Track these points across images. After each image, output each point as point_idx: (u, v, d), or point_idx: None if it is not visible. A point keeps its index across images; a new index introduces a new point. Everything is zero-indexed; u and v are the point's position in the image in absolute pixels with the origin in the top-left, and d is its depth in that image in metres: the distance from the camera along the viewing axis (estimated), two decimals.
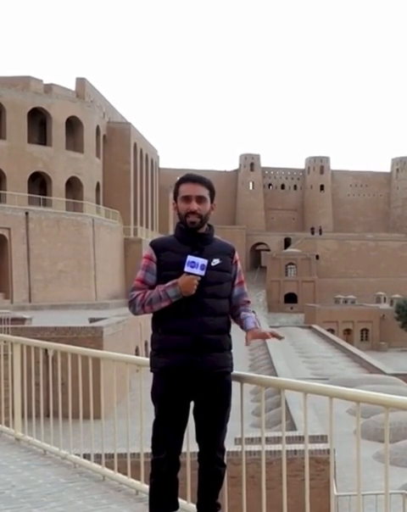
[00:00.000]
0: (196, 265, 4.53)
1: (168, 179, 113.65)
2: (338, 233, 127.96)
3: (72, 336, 26.20)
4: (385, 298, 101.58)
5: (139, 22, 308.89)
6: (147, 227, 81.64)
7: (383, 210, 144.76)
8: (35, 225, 55.03)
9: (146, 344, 42.20)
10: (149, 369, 4.84)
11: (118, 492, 6.03)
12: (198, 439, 4.83)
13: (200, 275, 4.54)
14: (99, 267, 60.25)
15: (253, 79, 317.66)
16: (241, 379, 5.04)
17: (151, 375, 4.82)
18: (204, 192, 4.77)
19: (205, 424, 4.78)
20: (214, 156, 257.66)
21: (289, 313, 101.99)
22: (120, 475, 6.22)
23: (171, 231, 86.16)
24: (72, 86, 73.20)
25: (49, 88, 67.54)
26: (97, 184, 70.39)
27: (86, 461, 6.71)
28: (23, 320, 28.51)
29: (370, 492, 15.77)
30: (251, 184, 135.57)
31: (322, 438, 18.71)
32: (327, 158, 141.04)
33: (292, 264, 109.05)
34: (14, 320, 27.37)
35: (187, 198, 4.72)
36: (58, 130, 64.15)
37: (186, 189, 4.75)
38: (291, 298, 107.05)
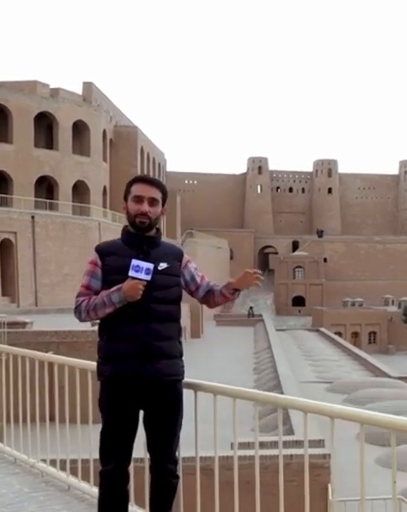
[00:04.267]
0: (140, 269, 4.37)
1: (175, 183, 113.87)
2: (346, 236, 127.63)
3: (72, 340, 26.02)
4: (393, 301, 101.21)
5: (146, 26, 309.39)
6: None
7: (391, 213, 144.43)
8: (41, 228, 54.99)
9: None
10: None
11: (81, 502, 5.89)
12: (150, 450, 4.68)
13: (145, 280, 4.37)
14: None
15: (261, 82, 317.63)
16: (194, 387, 4.86)
17: None
18: (157, 195, 4.62)
19: (156, 434, 4.62)
20: (222, 159, 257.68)
21: (297, 316, 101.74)
22: (84, 485, 6.07)
23: (179, 235, 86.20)
24: (79, 91, 73.21)
25: (56, 92, 67.49)
26: (104, 188, 70.34)
27: (52, 470, 6.56)
28: (24, 324, 28.35)
29: (369, 497, 15.56)
30: (259, 187, 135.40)
31: (319, 443, 18.50)
32: (335, 161, 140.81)
33: (299, 266, 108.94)
34: (14, 324, 27.24)
35: (139, 199, 4.57)
36: (64, 135, 64.10)
37: (138, 189, 4.59)
38: (299, 301, 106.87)
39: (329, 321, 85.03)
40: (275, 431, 22.87)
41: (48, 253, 54.94)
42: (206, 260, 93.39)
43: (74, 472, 6.27)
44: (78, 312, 4.56)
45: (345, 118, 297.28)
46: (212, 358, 44.44)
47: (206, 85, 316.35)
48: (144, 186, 4.60)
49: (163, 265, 4.54)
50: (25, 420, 7.33)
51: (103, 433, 4.58)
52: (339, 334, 79.36)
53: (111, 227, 63.69)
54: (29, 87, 64.96)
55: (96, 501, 5.73)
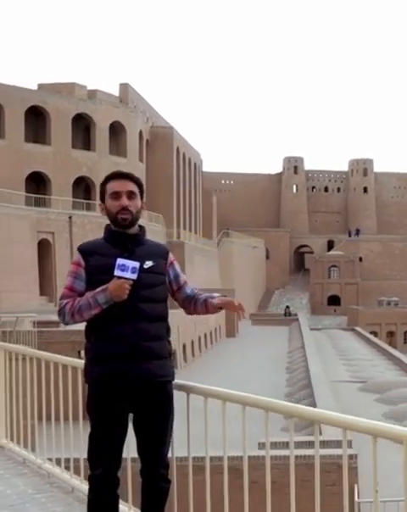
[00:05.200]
0: (126, 268, 4.21)
1: (211, 182, 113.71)
2: (382, 235, 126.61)
3: None
4: None
5: (182, 27, 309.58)
6: (190, 230, 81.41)
7: None
8: (78, 228, 55.13)
9: (184, 347, 42.00)
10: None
11: (82, 504, 5.76)
12: (140, 454, 4.52)
13: (132, 279, 4.22)
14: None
15: (298, 81, 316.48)
16: (186, 389, 4.71)
17: None
18: (134, 188, 4.50)
19: (146, 438, 4.47)
20: (258, 159, 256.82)
21: (332, 315, 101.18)
22: (87, 487, 5.95)
23: (215, 235, 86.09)
24: (116, 92, 73.32)
25: (93, 94, 67.66)
26: None
27: (57, 471, 6.47)
28: (57, 324, 28.39)
29: (391, 498, 15.33)
30: (295, 187, 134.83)
31: (347, 443, 18.25)
32: (371, 161, 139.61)
33: (335, 266, 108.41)
34: (47, 323, 27.31)
35: (117, 195, 4.43)
36: (101, 136, 64.30)
37: (114, 186, 4.46)
38: (334, 301, 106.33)
39: (364, 321, 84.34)
40: (303, 430, 22.70)
41: None
42: (242, 260, 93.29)
43: (80, 473, 6.17)
44: (62, 315, 4.40)
45: (380, 117, 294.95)
46: (245, 358, 44.37)
47: (242, 84, 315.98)
48: (119, 181, 4.48)
49: (148, 263, 4.39)
50: (32, 419, 7.26)
51: (91, 437, 4.45)
52: (374, 333, 78.72)
53: (147, 227, 63.42)
54: (67, 89, 65.22)
55: None
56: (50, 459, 6.73)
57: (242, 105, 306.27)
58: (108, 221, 4.56)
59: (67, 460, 6.39)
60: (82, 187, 64.17)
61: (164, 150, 74.85)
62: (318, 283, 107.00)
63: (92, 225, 56.15)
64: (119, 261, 4.22)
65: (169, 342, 4.54)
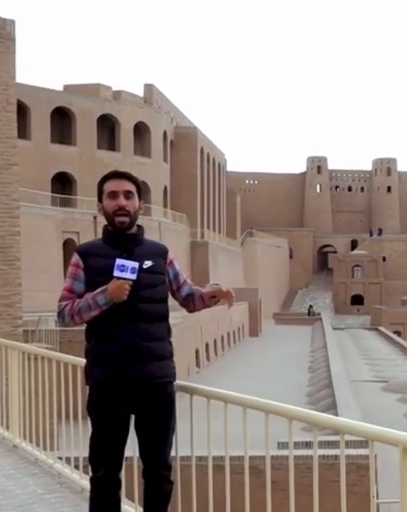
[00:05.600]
0: (126, 269, 4.15)
1: (235, 182, 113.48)
2: (406, 234, 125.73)
3: None
4: None
5: (205, 27, 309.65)
6: (214, 230, 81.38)
7: None
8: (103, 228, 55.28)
9: (207, 346, 41.95)
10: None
11: None
12: (142, 455, 4.46)
13: (131, 279, 4.17)
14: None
15: (321, 81, 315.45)
16: (189, 390, 4.67)
17: None
18: (131, 188, 4.42)
19: (147, 439, 4.40)
20: (282, 159, 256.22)
21: (356, 315, 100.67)
22: None
23: (239, 234, 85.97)
24: (140, 93, 73.43)
25: (118, 95, 67.78)
26: (165, 188, 70.45)
27: (67, 471, 6.45)
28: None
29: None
30: (318, 186, 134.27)
31: (365, 443, 18.16)
32: (394, 160, 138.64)
33: (358, 265, 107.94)
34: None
35: (114, 194, 4.35)
36: (126, 136, 64.39)
37: (111, 185, 4.38)
38: (357, 300, 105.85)
39: (388, 320, 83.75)
40: (324, 430, 22.57)
41: None
42: (266, 259, 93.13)
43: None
44: (61, 317, 4.35)
45: (405, 116, 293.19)
46: (268, 357, 44.27)
47: (267, 84, 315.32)
48: (116, 181, 4.40)
49: (148, 263, 4.33)
50: (51, 418, 7.25)
51: (92, 438, 4.41)
52: (398, 333, 78.16)
53: (171, 227, 63.79)
54: (92, 90, 65.34)
55: None
56: (60, 459, 6.72)
57: (267, 105, 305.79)
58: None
59: (76, 459, 6.39)
60: None
61: (188, 150, 74.85)
62: (341, 283, 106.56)
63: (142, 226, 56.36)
64: (118, 261, 4.17)
65: (169, 343, 4.49)
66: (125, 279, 4.16)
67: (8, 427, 8.12)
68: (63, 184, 59.96)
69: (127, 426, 4.42)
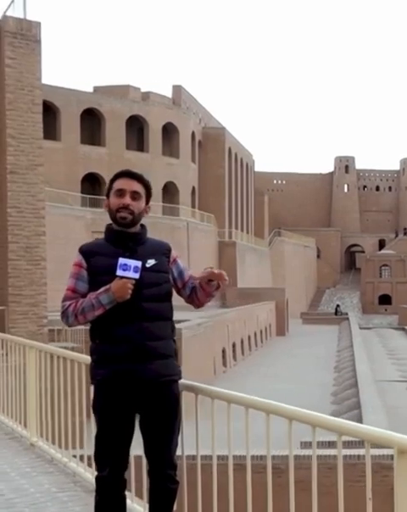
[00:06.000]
0: (128, 268, 4.11)
1: (263, 182, 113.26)
2: None
3: None
4: None
5: (233, 29, 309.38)
6: (241, 230, 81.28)
7: None
8: None
9: (234, 345, 41.88)
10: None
11: None
12: (147, 454, 4.43)
13: (134, 278, 4.13)
14: (194, 270, 59.21)
15: (348, 81, 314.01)
16: (194, 390, 4.62)
17: None
18: (140, 189, 4.36)
19: (152, 438, 4.37)
20: (310, 159, 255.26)
21: (383, 314, 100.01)
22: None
23: (266, 234, 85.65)
24: (169, 94, 73.52)
25: (147, 96, 67.91)
26: (193, 188, 70.50)
27: (81, 470, 6.43)
28: None
29: None
30: (346, 186, 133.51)
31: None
32: None
33: (386, 265, 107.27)
34: None
35: (121, 193, 4.31)
36: (154, 137, 64.53)
37: (120, 183, 4.34)
38: (385, 300, 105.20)
39: None
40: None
41: None
42: (293, 259, 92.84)
43: None
44: (65, 317, 4.32)
45: None
46: (294, 356, 44.10)
47: (294, 84, 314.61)
48: (126, 180, 4.34)
49: (151, 262, 4.29)
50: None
51: (97, 438, 4.39)
52: None
53: (199, 227, 63.78)
54: (121, 92, 65.54)
55: None
56: (75, 457, 6.70)
57: (295, 104, 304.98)
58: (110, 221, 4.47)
59: (90, 458, 6.37)
60: None
61: (216, 150, 74.86)
62: (369, 282, 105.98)
63: (145, 225, 56.42)
64: (121, 261, 4.13)
65: (174, 341, 4.45)
66: (127, 278, 4.13)
67: (26, 426, 8.14)
68: (92, 184, 60.17)
69: (132, 425, 4.39)
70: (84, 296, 4.30)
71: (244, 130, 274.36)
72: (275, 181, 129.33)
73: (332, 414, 26.59)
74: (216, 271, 4.31)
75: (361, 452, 17.31)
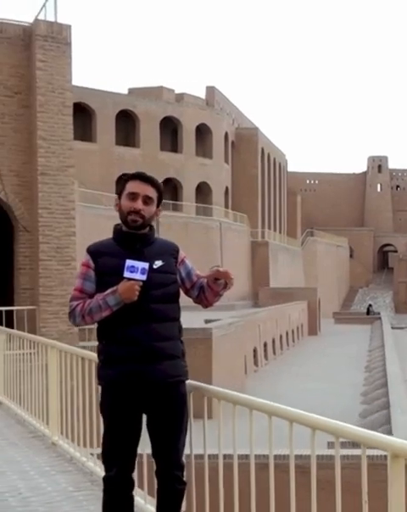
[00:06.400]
0: (136, 270, 4.09)
1: (296, 182, 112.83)
2: None
3: (183, 337, 25.97)
4: None
5: (264, 28, 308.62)
6: (274, 230, 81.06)
7: None
8: (165, 229, 55.34)
9: (265, 345, 41.76)
10: None
11: None
12: (154, 455, 4.41)
13: (141, 280, 4.11)
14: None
15: (382, 80, 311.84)
16: (202, 390, 4.60)
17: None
18: (152, 194, 4.33)
19: (160, 439, 4.35)
20: (343, 159, 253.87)
21: None
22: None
23: (299, 234, 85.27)
24: (202, 95, 73.53)
25: (181, 97, 68.02)
26: (226, 189, 70.44)
27: (97, 469, 6.42)
28: None
29: None
30: (379, 186, 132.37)
31: None
32: None
33: None
34: None
35: (133, 196, 4.28)
36: (188, 138, 64.61)
37: (133, 186, 4.31)
38: None
39: None
40: (380, 428, 22.22)
41: None
42: (326, 259, 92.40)
43: None
44: (73, 317, 4.32)
45: None
46: (325, 356, 43.85)
47: (326, 84, 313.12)
48: (140, 183, 4.31)
49: (158, 263, 4.26)
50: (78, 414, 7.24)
51: (104, 438, 4.38)
52: None
53: (232, 227, 63.72)
54: (155, 93, 65.72)
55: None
56: (92, 455, 6.71)
57: (328, 104, 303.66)
58: (118, 221, 4.45)
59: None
60: (169, 189, 64.52)
61: (249, 151, 74.71)
62: (402, 282, 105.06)
63: (178, 225, 56.49)
64: (128, 262, 4.11)
65: (181, 342, 4.43)
66: (135, 280, 4.11)
67: (48, 424, 8.17)
68: None
69: (139, 426, 4.38)
70: (91, 296, 4.29)
71: (277, 131, 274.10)
72: (308, 181, 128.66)
73: (362, 413, 26.43)
74: (222, 269, 4.26)
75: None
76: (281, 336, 46.60)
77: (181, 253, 4.48)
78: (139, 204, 4.27)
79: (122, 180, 4.43)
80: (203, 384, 4.65)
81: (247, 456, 4.05)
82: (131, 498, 4.46)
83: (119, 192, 4.41)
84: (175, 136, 64.89)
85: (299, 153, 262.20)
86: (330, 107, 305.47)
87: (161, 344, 4.24)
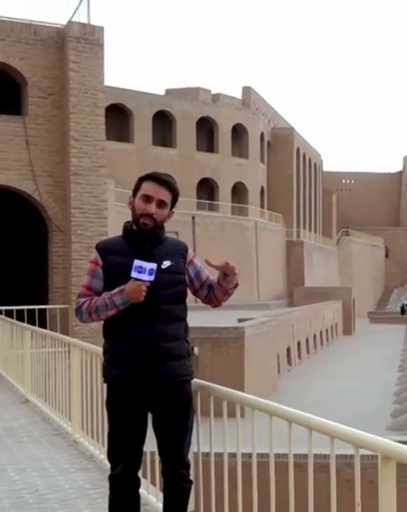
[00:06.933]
0: (143, 271, 4.03)
1: (332, 182, 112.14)
2: None
3: (215, 336, 25.83)
4: None
5: (299, 28, 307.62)
6: (309, 230, 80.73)
7: None
8: (200, 228, 55.52)
9: (299, 344, 41.60)
10: None
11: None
12: (160, 454, 4.40)
13: (149, 281, 4.07)
14: (261, 269, 59.98)
15: None
16: (208, 390, 4.57)
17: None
18: (167, 198, 4.26)
19: (165, 438, 4.33)
20: (378, 158, 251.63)
21: None
22: (143, 491, 5.71)
23: (334, 233, 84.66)
24: (238, 95, 73.39)
25: (217, 98, 67.91)
26: (262, 188, 70.29)
27: None
28: None
29: None
30: None
31: None
32: None
33: None
34: None
35: (148, 199, 4.21)
36: (224, 138, 64.55)
37: (148, 188, 4.23)
38: None
39: None
40: None
41: (207, 252, 55.12)
42: (361, 258, 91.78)
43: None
44: (80, 313, 4.30)
45: None
46: (359, 355, 43.60)
47: (362, 83, 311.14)
48: (155, 186, 4.23)
49: (166, 264, 4.21)
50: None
51: (110, 437, 4.37)
52: None
53: (268, 227, 63.58)
54: (192, 94, 65.71)
55: (149, 508, 5.42)
56: None
57: (363, 104, 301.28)
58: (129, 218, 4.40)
59: None
60: (206, 188, 64.57)
61: (284, 151, 74.49)
62: None
63: (214, 225, 56.50)
64: (136, 263, 4.06)
65: (187, 342, 4.39)
66: (142, 280, 4.07)
67: (71, 422, 8.20)
68: None
69: (144, 425, 4.35)
70: (99, 293, 4.26)
71: (313, 131, 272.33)
72: (343, 181, 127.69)
73: (393, 413, 26.21)
74: (223, 264, 4.19)
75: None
76: (314, 336, 46.42)
77: (190, 253, 4.43)
78: (152, 208, 4.21)
79: (138, 179, 4.35)
80: (209, 383, 4.63)
81: (250, 454, 4.02)
82: (137, 497, 4.44)
83: (134, 191, 4.33)
84: (212, 136, 64.83)
85: (335, 152, 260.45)
86: (366, 106, 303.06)
87: (168, 345, 4.20)
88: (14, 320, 13.98)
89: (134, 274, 4.06)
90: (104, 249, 4.32)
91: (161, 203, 4.25)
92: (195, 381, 4.52)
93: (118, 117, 56.32)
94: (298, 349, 41.43)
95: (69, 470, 6.83)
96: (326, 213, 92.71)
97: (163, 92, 66.41)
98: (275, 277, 62.92)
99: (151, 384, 4.20)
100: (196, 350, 25.80)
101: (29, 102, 19.88)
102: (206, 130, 64.52)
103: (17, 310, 17.49)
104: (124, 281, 4.10)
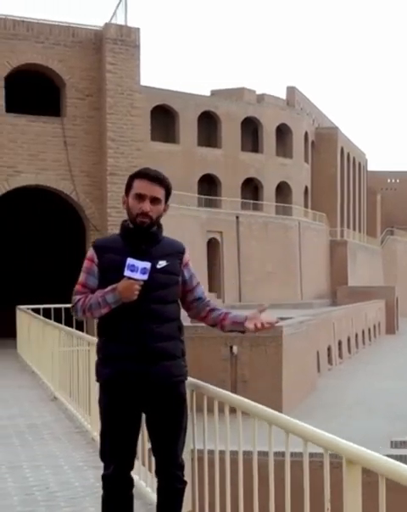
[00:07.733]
0: (136, 269, 3.97)
1: (377, 181, 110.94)
2: None
3: (254, 336, 25.70)
4: None
5: (344, 27, 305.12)
6: (353, 229, 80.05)
7: None
8: (245, 228, 55.47)
9: (340, 343, 41.26)
10: None
11: (138, 500, 5.61)
12: (154, 454, 4.33)
13: (142, 280, 4.00)
14: (305, 268, 59.69)
15: None
16: (202, 390, 4.52)
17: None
18: (160, 194, 4.19)
19: (158, 438, 4.27)
20: None
21: None
22: (149, 490, 5.67)
23: (379, 233, 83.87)
24: (283, 95, 73.09)
25: (261, 98, 67.75)
26: (306, 188, 69.90)
27: None
28: None
29: None
30: None
31: None
32: None
33: None
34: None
35: (141, 197, 4.15)
36: (268, 138, 64.32)
37: (141, 187, 4.16)
38: None
39: None
40: None
41: (251, 251, 55.20)
42: (406, 258, 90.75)
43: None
44: (75, 311, 4.25)
45: None
46: (402, 355, 43.15)
47: (403, 80, 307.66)
48: (147, 183, 4.16)
49: (162, 264, 4.15)
50: None
51: (102, 436, 4.32)
52: None
53: (311, 226, 63.27)
54: (237, 94, 65.63)
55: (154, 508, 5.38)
56: None
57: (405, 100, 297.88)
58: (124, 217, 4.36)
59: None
60: (250, 188, 64.43)
61: (328, 150, 73.98)
62: None
63: (258, 224, 56.43)
64: (129, 261, 3.99)
65: (182, 341, 4.31)
66: (134, 279, 4.00)
67: (91, 420, 8.18)
68: (209, 185, 60.46)
69: (138, 425, 4.30)
70: (93, 291, 4.21)
71: (358, 130, 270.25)
72: (388, 180, 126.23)
73: None
74: (264, 324, 4.29)
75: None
76: (356, 335, 46.03)
77: (186, 256, 4.37)
78: (147, 206, 4.15)
79: (130, 176, 4.28)
80: (203, 383, 4.57)
81: (239, 453, 3.96)
82: (130, 497, 4.38)
83: (127, 189, 4.28)
84: (256, 136, 64.63)
85: (381, 152, 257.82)
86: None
87: (162, 344, 4.14)
88: (45, 319, 14.02)
89: (127, 272, 4.00)
90: (101, 247, 4.27)
91: (155, 200, 4.18)
92: (190, 380, 4.46)
93: (164, 118, 56.43)
94: (340, 348, 41.11)
95: (82, 467, 6.81)
96: (370, 212, 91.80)
97: (208, 93, 66.45)
98: (318, 276, 62.54)
99: (145, 384, 4.14)
100: (235, 349, 25.72)
101: (67, 103, 19.97)
102: (251, 130, 64.34)
103: (46, 308, 17.43)
104: (118, 279, 4.05)
